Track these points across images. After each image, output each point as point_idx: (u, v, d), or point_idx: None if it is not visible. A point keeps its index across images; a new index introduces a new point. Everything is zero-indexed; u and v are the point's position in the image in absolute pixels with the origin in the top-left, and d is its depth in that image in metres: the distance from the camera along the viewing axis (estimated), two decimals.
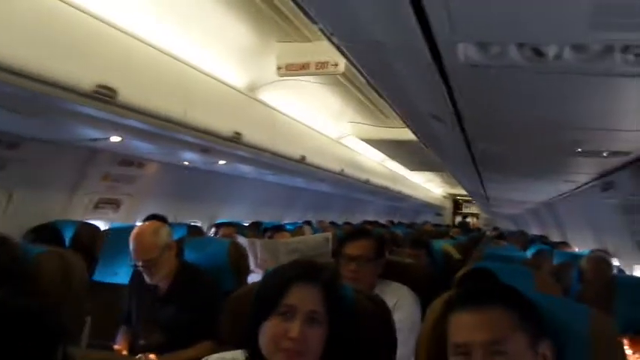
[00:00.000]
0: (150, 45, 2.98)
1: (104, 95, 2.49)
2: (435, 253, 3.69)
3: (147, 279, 2.41)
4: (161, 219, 3.47)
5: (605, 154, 2.20)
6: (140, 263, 2.35)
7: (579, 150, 2.18)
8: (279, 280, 1.26)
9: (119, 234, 2.90)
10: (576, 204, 5.10)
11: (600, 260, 3.35)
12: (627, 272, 3.84)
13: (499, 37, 1.05)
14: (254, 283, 1.64)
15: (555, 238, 7.38)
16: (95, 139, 3.49)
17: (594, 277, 2.91)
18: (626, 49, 1.04)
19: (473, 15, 0.97)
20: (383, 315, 1.49)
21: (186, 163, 4.97)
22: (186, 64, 3.32)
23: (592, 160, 2.47)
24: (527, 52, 1.06)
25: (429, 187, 16.52)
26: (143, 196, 5.05)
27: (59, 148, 3.70)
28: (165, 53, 3.12)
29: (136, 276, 2.53)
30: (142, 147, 3.92)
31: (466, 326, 1.09)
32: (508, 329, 1.06)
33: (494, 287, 1.16)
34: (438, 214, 19.59)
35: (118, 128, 3.14)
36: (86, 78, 2.43)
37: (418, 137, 3.23)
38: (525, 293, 1.19)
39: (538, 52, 1.07)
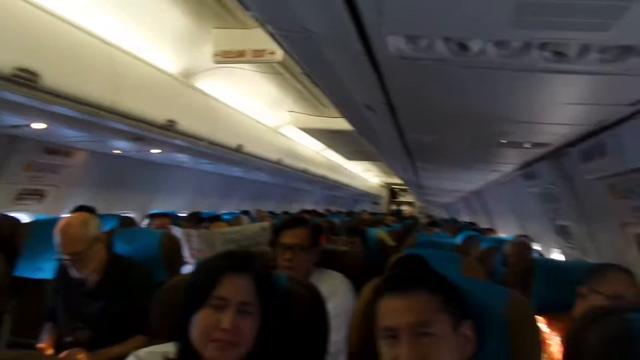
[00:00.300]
0: (77, 27, 2.82)
1: (25, 79, 2.33)
2: (370, 241, 3.77)
3: (74, 273, 2.30)
4: (89, 210, 3.33)
5: (527, 146, 2.33)
6: (67, 257, 2.25)
7: (504, 141, 2.30)
8: (210, 272, 1.25)
9: (43, 227, 2.75)
10: (502, 192, 5.37)
11: (522, 245, 3.56)
12: (546, 256, 4.11)
13: (427, 31, 1.08)
14: (185, 275, 1.62)
15: (483, 224, 7.76)
16: (16, 126, 3.27)
17: (516, 261, 3.08)
18: (543, 46, 1.10)
19: (402, 8, 0.99)
20: (316, 303, 1.51)
21: (117, 151, 4.77)
22: (117, 49, 3.18)
23: (516, 151, 2.61)
24: (453, 46, 1.10)
25: (367, 176, 16.84)
26: (70, 186, 4.81)
27: None
28: (94, 36, 2.97)
29: (62, 270, 2.41)
30: (69, 134, 3.72)
31: (393, 310, 1.12)
32: (433, 312, 1.11)
33: (420, 273, 1.21)
34: (375, 203, 20.03)
35: (41, 114, 2.96)
36: (3, 60, 2.27)
37: (353, 127, 3.28)
38: (453, 277, 1.25)
39: (463, 47, 1.11)
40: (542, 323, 2.10)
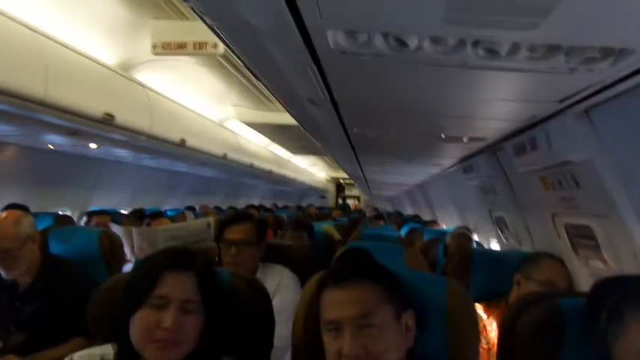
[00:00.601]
0: (4, 15, 2.65)
1: None
2: (317, 235, 3.80)
3: (3, 274, 2.18)
4: (22, 208, 3.17)
5: (465, 140, 2.41)
6: None
7: (443, 136, 2.37)
8: (150, 270, 1.21)
9: None
10: (444, 185, 5.54)
11: (461, 236, 3.69)
12: (485, 246, 4.28)
13: (366, 26, 1.09)
14: (125, 273, 1.57)
15: (427, 217, 7.98)
16: None
17: (456, 251, 3.19)
18: (476, 43, 1.14)
19: (341, 3, 1.00)
20: (260, 298, 1.50)
21: (51, 146, 4.54)
22: (49, 38, 3.01)
23: (455, 145, 2.70)
24: (391, 41, 1.12)
25: (313, 170, 16.92)
26: None
27: None
28: (23, 25, 2.80)
29: None
30: None
31: (336, 303, 1.14)
32: (375, 303, 1.13)
33: (361, 265, 1.22)
34: (322, 197, 20.18)
35: None
36: None
37: (297, 122, 3.28)
38: (396, 269, 1.28)
39: (401, 43, 1.13)
40: (480, 310, 2.20)
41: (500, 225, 3.45)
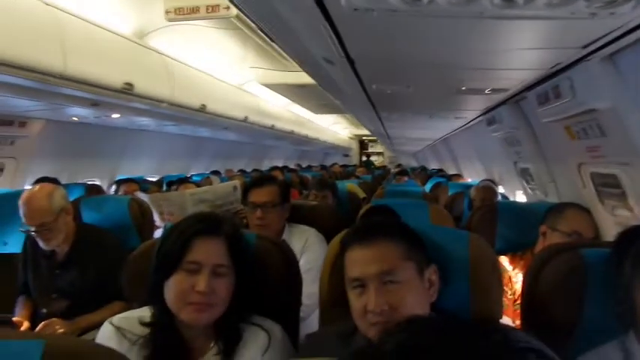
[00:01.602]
0: None
1: None
2: (341, 194, 3.82)
3: (42, 245, 2.28)
4: (52, 181, 3.26)
5: (487, 92, 2.36)
6: (33, 229, 2.22)
7: (464, 88, 2.32)
8: (181, 236, 1.25)
9: (6, 200, 2.68)
10: (467, 138, 5.47)
11: (486, 188, 3.67)
12: (511, 198, 4.24)
13: None
14: (156, 239, 1.62)
15: (451, 171, 7.92)
16: None
17: (481, 205, 3.18)
18: None
19: None
20: (287, 259, 1.54)
21: (75, 118, 4.62)
22: (62, 10, 3.01)
23: (477, 97, 2.64)
24: None
25: (336, 129, 16.82)
26: (30, 157, 4.65)
27: None
28: None
29: (30, 243, 2.39)
30: (21, 104, 3.57)
31: (359, 261, 1.16)
32: (397, 260, 1.15)
33: (383, 223, 1.24)
34: (346, 155, 20.13)
35: None
36: None
37: (315, 81, 3.24)
38: (420, 225, 1.30)
39: None
40: (506, 262, 2.21)
41: (525, 176, 3.40)
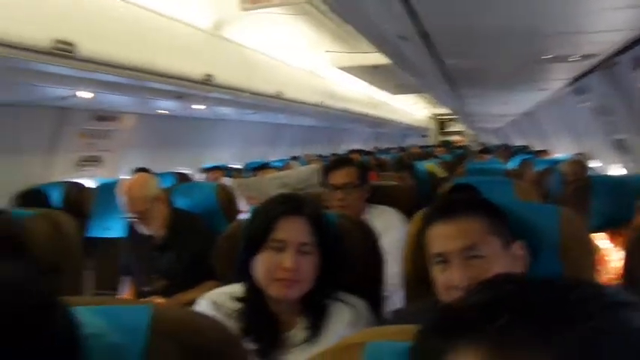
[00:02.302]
0: None
1: (63, 50, 2.41)
2: (420, 174, 3.77)
3: (142, 230, 2.46)
4: (146, 171, 3.49)
5: (573, 59, 2.21)
6: (132, 216, 2.40)
7: (548, 56, 2.19)
8: (266, 216, 1.30)
9: (107, 190, 2.93)
10: (554, 111, 5.16)
11: (577, 163, 3.46)
12: (605, 172, 3.97)
13: None
14: (242, 220, 1.69)
15: (537, 147, 7.52)
16: (64, 97, 3.42)
17: (573, 179, 3.01)
18: None
19: None
20: (368, 238, 1.56)
21: (161, 111, 4.91)
22: (145, 9, 3.19)
23: (562, 65, 2.48)
24: None
25: (413, 109, 16.50)
26: (123, 149, 5.02)
27: (29, 110, 3.64)
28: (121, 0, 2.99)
29: (132, 228, 2.58)
30: (114, 100, 3.85)
31: (442, 236, 1.15)
32: (481, 234, 1.12)
33: (464, 198, 1.22)
34: (424, 136, 19.72)
35: (84, 83, 3.08)
36: (42, 34, 2.35)
37: (390, 60, 3.20)
38: (505, 202, 1.26)
39: None
40: (604, 239, 2.09)
41: (620, 148, 3.17)
